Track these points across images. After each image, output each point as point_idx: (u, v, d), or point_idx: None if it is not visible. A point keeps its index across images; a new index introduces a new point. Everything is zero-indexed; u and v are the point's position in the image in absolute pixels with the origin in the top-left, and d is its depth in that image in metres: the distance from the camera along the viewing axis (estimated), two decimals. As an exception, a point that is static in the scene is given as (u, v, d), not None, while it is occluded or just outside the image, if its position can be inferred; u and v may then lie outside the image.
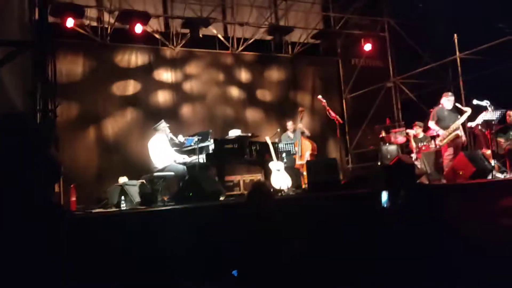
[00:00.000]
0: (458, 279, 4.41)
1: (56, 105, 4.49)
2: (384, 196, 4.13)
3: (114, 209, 6.49)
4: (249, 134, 7.09)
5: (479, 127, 7.28)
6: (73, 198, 6.71)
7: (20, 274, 2.19)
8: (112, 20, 9.01)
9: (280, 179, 6.90)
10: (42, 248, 2.30)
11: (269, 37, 10.46)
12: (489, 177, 6.24)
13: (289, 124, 8.49)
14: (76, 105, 8.71)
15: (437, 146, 7.22)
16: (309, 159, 7.89)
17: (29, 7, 7.31)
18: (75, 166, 8.25)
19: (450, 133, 7.01)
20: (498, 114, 6.89)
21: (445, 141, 7.04)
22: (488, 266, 4.57)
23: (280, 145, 7.56)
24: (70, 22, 8.00)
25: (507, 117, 7.49)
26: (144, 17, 8.71)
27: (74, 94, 8.67)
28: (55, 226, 2.46)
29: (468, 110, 7.04)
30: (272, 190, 3.80)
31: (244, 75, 10.62)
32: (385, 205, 4.06)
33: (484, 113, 6.90)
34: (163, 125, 6.72)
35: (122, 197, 6.54)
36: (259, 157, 6.97)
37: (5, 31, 4.73)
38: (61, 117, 7.87)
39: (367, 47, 10.81)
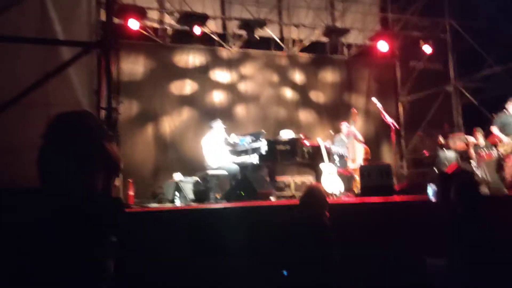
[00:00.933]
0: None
1: (119, 103, 4.72)
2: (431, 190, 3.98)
3: (168, 204, 6.73)
4: (301, 136, 7.08)
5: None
6: (131, 193, 7.03)
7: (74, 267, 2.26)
8: (172, 22, 9.31)
9: (332, 182, 6.84)
10: (98, 241, 2.37)
11: (324, 39, 10.39)
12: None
13: (343, 127, 8.36)
14: (136, 103, 9.10)
15: (500, 154, 6.88)
16: (362, 163, 7.76)
17: (96, 8, 7.71)
18: (133, 162, 8.59)
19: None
20: None
21: (505, 147, 6.68)
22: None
23: (333, 148, 7.50)
24: (134, 24, 8.34)
25: None
26: (203, 19, 8.93)
27: (134, 93, 9.04)
28: (114, 218, 2.56)
29: None
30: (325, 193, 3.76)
31: (298, 77, 10.63)
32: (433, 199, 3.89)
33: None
34: (219, 124, 6.88)
35: (177, 193, 6.78)
36: (311, 159, 6.96)
37: (74, 32, 5.03)
38: (121, 115, 8.27)
39: (427, 49, 10.46)
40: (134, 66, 9.19)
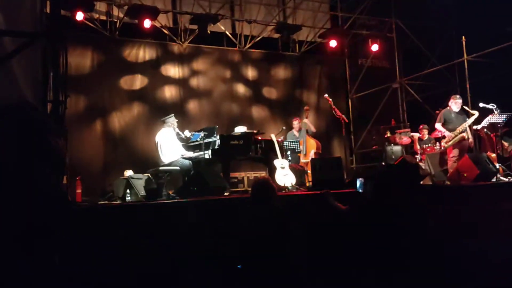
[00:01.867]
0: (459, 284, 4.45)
1: (66, 97, 4.54)
2: (358, 182, 4.20)
3: (119, 202, 6.56)
4: (255, 131, 7.12)
5: (485, 129, 7.30)
6: (79, 191, 6.80)
7: (22, 265, 2.21)
8: (121, 15, 9.07)
9: (284, 177, 6.93)
10: (45, 238, 2.31)
11: (276, 35, 10.50)
12: (493, 180, 6.26)
13: (295, 123, 8.52)
14: (84, 98, 8.79)
15: (442, 148, 7.24)
16: (313, 157, 7.92)
17: (41, -1, 7.39)
18: (81, 159, 8.31)
19: (456, 135, 7.04)
20: (504, 117, 6.89)
21: (450, 143, 7.08)
22: (488, 270, 4.60)
23: (285, 143, 7.60)
24: (80, 16, 8.06)
25: (513, 121, 7.48)
26: (153, 12, 8.75)
27: (82, 87, 8.73)
28: (61, 215, 2.48)
29: (476, 113, 7.07)
30: (275, 186, 3.81)
31: (250, 73, 10.66)
32: (360, 190, 4.14)
33: (490, 116, 6.90)
34: (172, 119, 6.78)
35: (128, 190, 6.61)
36: (264, 154, 7.01)
37: (17, 22, 4.79)
38: (69, 109, 7.95)
39: (374, 47, 10.81)
40: (81, 60, 8.87)
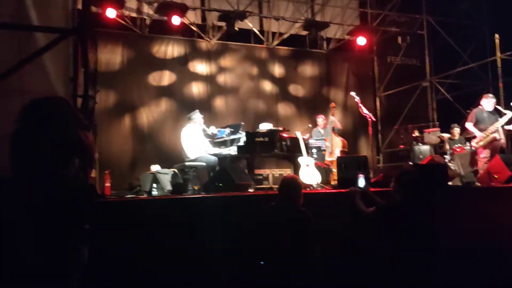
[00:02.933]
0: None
1: (96, 92, 4.65)
2: (362, 181, 4.16)
3: (145, 195, 6.67)
4: (280, 128, 7.10)
5: (517, 131, 7.08)
6: (108, 184, 6.93)
7: (48, 255, 2.25)
8: (151, 12, 9.21)
9: (310, 175, 6.90)
10: (70, 229, 2.35)
11: (304, 32, 10.43)
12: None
13: (320, 120, 8.45)
14: (113, 93, 8.98)
15: (473, 148, 7.06)
16: (339, 155, 7.84)
17: (73, -4, 7.57)
18: (110, 153, 8.50)
19: (487, 135, 6.83)
20: (539, 118, 6.67)
21: (481, 143, 6.88)
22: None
23: (311, 141, 7.55)
24: (111, 13, 8.22)
25: (548, 122, 7.23)
26: (182, 9, 8.85)
27: (112, 83, 8.93)
28: (86, 207, 2.54)
29: (509, 113, 6.84)
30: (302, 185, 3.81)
31: (277, 70, 10.65)
32: (361, 186, 4.11)
33: (523, 116, 6.69)
34: (198, 115, 6.85)
35: (154, 185, 6.71)
36: (289, 151, 6.99)
37: (50, 19, 4.92)
38: (98, 105, 8.10)
39: (404, 44, 10.61)
40: (111, 56, 9.05)
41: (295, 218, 3.51)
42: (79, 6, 7.39)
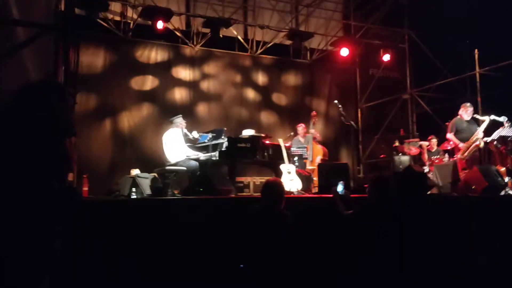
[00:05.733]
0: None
1: (76, 92, 4.58)
2: (340, 186, 4.20)
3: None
4: (263, 135, 7.10)
5: (495, 143, 7.19)
6: (85, 188, 6.81)
7: (26, 255, 2.22)
8: (135, 16, 9.15)
9: (291, 182, 6.89)
10: (48, 228, 2.32)
11: (288, 42, 10.51)
12: (502, 193, 6.17)
13: (300, 129, 8.50)
14: (94, 96, 8.87)
15: (459, 159, 7.11)
16: (320, 163, 7.88)
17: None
18: (89, 157, 8.38)
19: (470, 145, 6.90)
20: (515, 131, 6.80)
21: (466, 153, 6.92)
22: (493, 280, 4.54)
23: (293, 148, 7.57)
24: (95, 15, 8.13)
25: (524, 135, 7.39)
26: (167, 14, 8.82)
27: (93, 86, 8.83)
28: (68, 207, 2.50)
29: (487, 119, 6.94)
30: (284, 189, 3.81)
31: (261, 78, 10.69)
32: (341, 193, 4.16)
33: (500, 129, 6.82)
34: (180, 120, 6.79)
35: (133, 189, 6.61)
36: (271, 159, 6.98)
37: (31, 16, 4.85)
38: (79, 107, 8.04)
39: (386, 57, 10.80)
40: (93, 59, 8.95)
41: (278, 221, 3.49)
42: (63, 7, 7.37)
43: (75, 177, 7.31)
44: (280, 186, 3.68)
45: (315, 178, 7.52)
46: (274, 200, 3.57)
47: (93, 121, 8.81)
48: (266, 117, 10.56)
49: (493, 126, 7.09)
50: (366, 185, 5.36)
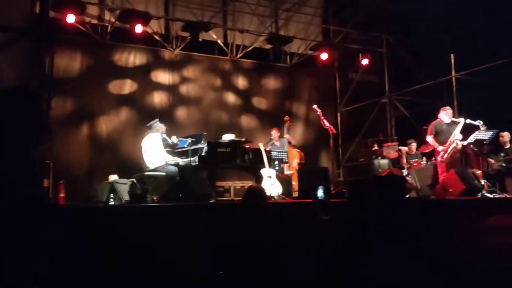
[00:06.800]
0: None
1: (51, 97, 4.48)
2: (320, 191, 4.22)
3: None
4: (243, 139, 7.07)
5: (471, 146, 7.33)
6: (62, 194, 6.67)
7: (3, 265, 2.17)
8: (112, 19, 9.03)
9: (271, 186, 6.88)
10: (25, 240, 2.27)
11: (268, 46, 10.52)
12: (478, 195, 6.28)
13: (273, 132, 8.51)
14: (71, 101, 8.69)
15: (436, 162, 7.19)
16: (297, 167, 7.92)
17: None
18: (66, 162, 8.21)
19: (449, 147, 6.96)
20: (490, 134, 6.92)
21: (446, 155, 6.98)
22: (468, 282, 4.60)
23: (273, 153, 7.56)
24: (70, 18, 7.98)
25: (500, 138, 7.56)
26: (145, 18, 8.73)
27: (70, 90, 8.65)
28: (42, 217, 2.44)
29: (461, 120, 7.04)
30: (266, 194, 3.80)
31: (241, 82, 10.67)
32: (320, 197, 4.17)
33: (476, 132, 6.94)
34: (158, 124, 6.66)
35: (111, 195, 6.51)
36: (251, 163, 6.95)
37: (6, 20, 4.74)
38: (55, 112, 7.90)
39: (364, 61, 10.90)
40: (70, 62, 8.76)
41: (260, 226, 3.46)
42: (37, 10, 7.21)
43: (52, 183, 7.16)
44: (262, 192, 3.69)
45: (294, 183, 7.53)
46: (256, 206, 3.55)
47: (69, 126, 8.63)
48: (246, 121, 10.53)
49: (470, 130, 7.21)
50: (344, 190, 5.40)
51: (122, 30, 9.00)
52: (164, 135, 6.75)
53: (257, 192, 3.65)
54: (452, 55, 9.47)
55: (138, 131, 8.46)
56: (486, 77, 9.04)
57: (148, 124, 6.78)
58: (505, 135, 7.57)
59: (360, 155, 10.48)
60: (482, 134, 6.88)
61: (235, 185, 8.80)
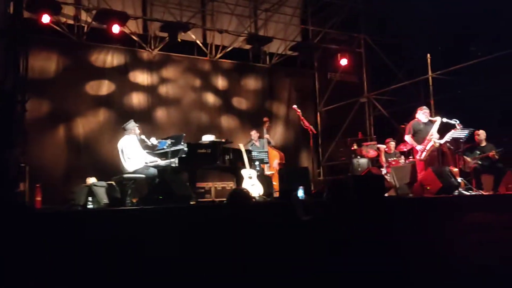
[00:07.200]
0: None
1: (25, 99, 4.37)
2: (300, 192, 4.26)
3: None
4: (223, 140, 7.04)
5: (447, 144, 7.46)
6: (38, 198, 6.53)
7: None
8: (89, 19, 8.89)
9: (252, 187, 6.87)
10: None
11: (247, 46, 10.52)
12: (455, 193, 6.39)
13: (253, 133, 8.52)
14: (47, 102, 8.53)
15: (418, 160, 7.28)
16: (277, 168, 7.94)
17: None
18: (42, 165, 8.04)
19: (426, 145, 7.06)
20: (466, 133, 7.06)
21: (424, 153, 7.07)
22: (446, 278, 4.67)
23: (254, 153, 7.56)
24: (45, 18, 7.84)
25: (475, 136, 7.70)
26: (122, 18, 8.63)
27: (45, 91, 8.50)
28: (17, 222, 2.39)
29: (438, 119, 7.15)
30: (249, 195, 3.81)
31: (221, 82, 10.64)
32: (301, 197, 4.21)
33: (452, 131, 7.06)
34: (132, 125, 6.46)
35: (90, 198, 6.41)
36: (232, 163, 6.93)
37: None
38: (30, 113, 7.71)
39: (343, 62, 11.00)
40: (46, 63, 8.61)
41: (243, 227, 3.46)
42: (11, 10, 7.04)
43: (28, 187, 7.01)
44: (246, 194, 3.70)
45: (275, 183, 7.55)
46: (241, 208, 3.56)
47: (46, 128, 8.47)
48: (226, 121, 10.51)
49: (446, 128, 7.34)
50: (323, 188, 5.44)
51: (99, 30, 8.88)
52: (143, 137, 6.64)
53: (242, 193, 3.65)
54: (428, 55, 9.62)
55: (116, 132, 8.32)
56: (461, 76, 9.23)
57: (123, 125, 6.63)
58: (481, 134, 7.72)
59: (340, 154, 10.56)
60: (458, 132, 7.01)
61: (216, 186, 8.78)
